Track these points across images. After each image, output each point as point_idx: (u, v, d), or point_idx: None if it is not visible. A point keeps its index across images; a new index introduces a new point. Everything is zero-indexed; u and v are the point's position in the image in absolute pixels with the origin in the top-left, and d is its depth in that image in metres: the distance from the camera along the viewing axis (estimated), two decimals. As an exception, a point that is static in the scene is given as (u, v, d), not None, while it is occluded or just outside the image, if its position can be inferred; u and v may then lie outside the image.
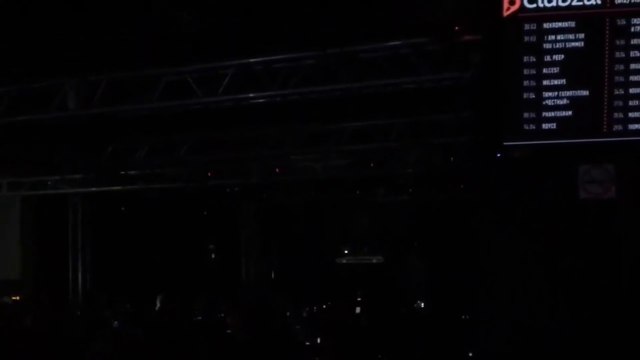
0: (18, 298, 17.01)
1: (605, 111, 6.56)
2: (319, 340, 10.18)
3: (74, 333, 11.54)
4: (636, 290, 7.87)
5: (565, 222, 7.85)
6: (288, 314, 13.63)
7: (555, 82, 6.61)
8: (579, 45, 6.53)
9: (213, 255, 22.02)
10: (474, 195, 9.19)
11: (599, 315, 7.62)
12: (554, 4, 6.51)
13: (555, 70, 6.60)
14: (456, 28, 8.07)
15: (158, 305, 13.97)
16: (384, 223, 20.05)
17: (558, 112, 6.63)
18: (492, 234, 8.17)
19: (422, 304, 16.56)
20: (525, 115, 6.70)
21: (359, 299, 17.80)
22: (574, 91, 6.59)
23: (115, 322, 12.89)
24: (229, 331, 11.16)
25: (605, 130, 6.58)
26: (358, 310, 14.87)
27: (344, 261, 19.50)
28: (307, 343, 10.05)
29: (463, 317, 11.54)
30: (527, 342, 7.78)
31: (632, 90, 6.49)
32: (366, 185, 18.31)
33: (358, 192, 18.68)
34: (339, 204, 20.26)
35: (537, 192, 7.90)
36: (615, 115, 6.55)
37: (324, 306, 15.32)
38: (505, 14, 6.62)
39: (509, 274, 8.02)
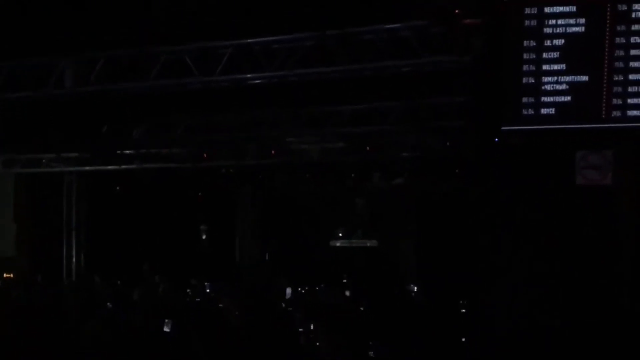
0: (12, 275, 16.98)
1: (604, 97, 6.54)
2: (312, 327, 10.15)
3: (66, 314, 11.52)
4: (634, 284, 7.90)
5: (565, 216, 7.85)
6: (287, 297, 13.61)
7: (555, 67, 6.59)
8: (580, 30, 6.50)
9: (208, 237, 22.00)
10: (473, 186, 9.16)
11: (600, 311, 7.63)
12: (555, -12, 6.49)
13: (555, 55, 6.57)
14: (457, 11, 8.02)
15: (161, 289, 13.94)
16: (379, 207, 20.05)
17: (557, 97, 6.62)
18: (492, 232, 8.16)
19: (415, 287, 16.57)
20: (524, 100, 6.68)
21: (345, 281, 17.84)
22: (573, 76, 6.57)
23: (109, 304, 12.87)
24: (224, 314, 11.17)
25: (604, 116, 6.57)
26: (347, 293, 14.88)
27: (338, 244, 19.50)
28: (300, 329, 10.02)
29: (460, 302, 11.53)
30: (526, 338, 7.80)
31: (631, 77, 6.48)
32: (362, 169, 18.30)
33: (354, 175, 18.68)
34: (335, 187, 20.25)
35: (536, 188, 7.89)
36: (614, 101, 6.53)
37: (317, 288, 15.32)
38: (507, -3, 6.59)
39: (508, 270, 8.03)
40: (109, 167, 17.16)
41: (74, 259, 18.96)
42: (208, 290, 14.48)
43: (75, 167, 17.67)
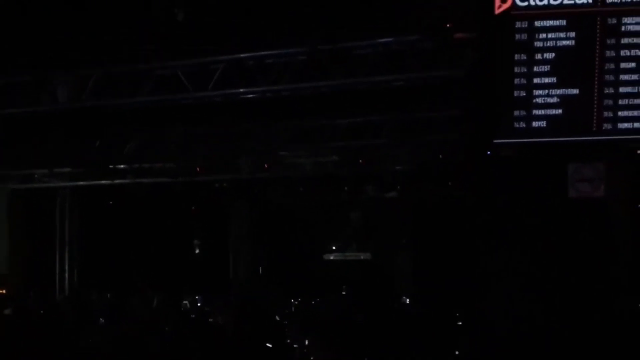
0: (4, 291, 16.93)
1: (595, 110, 6.59)
2: (306, 342, 10.13)
3: (60, 328, 11.50)
4: (630, 289, 7.93)
5: (560, 223, 7.88)
6: (277, 317, 13.58)
7: (546, 80, 6.63)
8: (570, 44, 6.55)
9: (201, 251, 21.96)
10: (468, 196, 9.21)
11: (596, 317, 7.65)
12: (545, 2, 6.54)
13: (546, 68, 6.62)
14: (448, 25, 8.08)
15: (155, 303, 13.92)
16: (373, 220, 20.06)
17: (548, 110, 6.66)
18: (488, 237, 8.19)
19: (407, 300, 16.59)
20: (516, 113, 6.72)
21: (344, 293, 17.84)
22: (564, 89, 6.62)
23: (101, 318, 12.84)
24: (218, 327, 11.15)
25: (595, 128, 6.61)
26: (342, 307, 14.88)
27: (332, 257, 19.49)
28: (294, 345, 10.00)
29: (455, 315, 11.54)
30: (523, 344, 7.81)
31: (622, 90, 6.52)
32: (356, 182, 18.31)
33: (347, 188, 18.70)
34: (328, 201, 20.27)
35: (532, 194, 7.93)
36: (605, 114, 6.58)
37: (313, 302, 15.33)
38: (497, 11, 6.64)
39: (505, 277, 8.05)
40: (102, 182, 17.15)
41: (67, 274, 18.90)
42: (200, 305, 14.47)
43: (68, 182, 17.65)
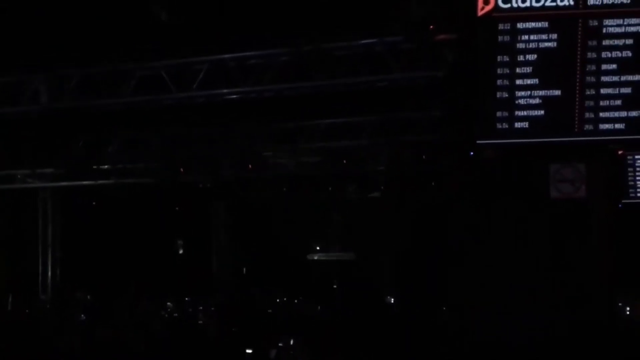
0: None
1: (577, 111, 6.63)
2: (292, 342, 10.17)
3: (42, 327, 11.47)
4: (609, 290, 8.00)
5: (538, 221, 7.93)
6: (261, 317, 13.62)
7: (528, 81, 6.67)
8: (552, 46, 6.59)
9: (184, 251, 21.91)
10: (447, 194, 9.25)
11: (573, 316, 7.72)
12: (527, 4, 6.57)
13: (528, 69, 6.66)
14: (430, 27, 8.11)
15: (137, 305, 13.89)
16: (356, 220, 20.08)
17: (530, 112, 6.70)
18: (465, 235, 8.23)
19: (392, 299, 16.64)
20: (498, 114, 6.75)
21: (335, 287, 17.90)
22: (546, 91, 6.66)
23: (82, 315, 12.82)
24: (200, 326, 11.16)
25: (576, 129, 6.66)
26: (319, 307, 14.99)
27: (315, 257, 19.50)
28: (280, 344, 10.03)
29: (437, 313, 11.60)
30: (502, 345, 7.86)
31: (603, 91, 6.57)
32: (338, 182, 18.34)
33: (330, 189, 18.73)
34: (311, 201, 20.29)
35: (512, 191, 7.98)
36: (587, 115, 6.62)
37: (296, 301, 15.35)
38: (480, 13, 6.67)
39: (486, 280, 8.09)
40: (85, 183, 17.06)
41: (49, 275, 18.78)
42: (184, 306, 14.46)
43: (50, 183, 17.54)
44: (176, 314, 13.24)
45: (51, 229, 18.81)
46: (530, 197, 7.91)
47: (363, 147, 14.60)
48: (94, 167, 16.22)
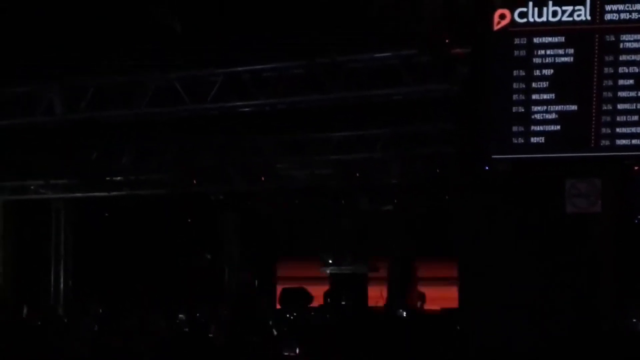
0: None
1: (593, 126, 6.62)
2: (297, 351, 10.15)
3: (51, 338, 11.50)
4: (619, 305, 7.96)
5: (549, 234, 7.91)
6: (271, 322, 13.61)
7: (544, 96, 6.67)
8: (568, 60, 6.60)
9: (197, 262, 21.90)
10: (457, 206, 9.26)
11: (583, 331, 7.68)
12: (544, 19, 6.58)
13: (545, 84, 6.66)
14: (446, 41, 8.10)
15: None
16: (369, 232, 20.04)
17: (546, 126, 6.69)
18: (479, 251, 8.21)
19: (404, 312, 16.60)
20: (514, 128, 6.76)
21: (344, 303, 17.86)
22: (562, 106, 6.66)
23: (95, 326, 12.83)
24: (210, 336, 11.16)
25: (592, 145, 6.65)
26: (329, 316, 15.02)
27: (328, 271, 19.48)
28: (286, 353, 10.01)
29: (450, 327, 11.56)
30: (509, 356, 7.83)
31: (619, 106, 6.56)
32: (350, 195, 18.33)
33: (343, 201, 18.73)
34: (324, 213, 20.28)
35: (523, 205, 7.96)
36: (603, 130, 6.62)
37: (305, 314, 15.33)
38: (496, 27, 6.68)
39: (495, 292, 8.07)
40: (98, 194, 17.11)
41: (61, 287, 18.81)
42: (196, 318, 14.44)
43: (63, 194, 17.60)
44: (186, 326, 13.23)
45: (64, 239, 18.86)
46: (543, 212, 7.88)
47: (376, 160, 14.59)
48: (107, 178, 16.27)
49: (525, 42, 6.63)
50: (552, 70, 6.62)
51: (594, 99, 6.57)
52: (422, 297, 19.20)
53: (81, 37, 9.46)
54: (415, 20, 8.58)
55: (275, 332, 12.15)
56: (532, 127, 6.69)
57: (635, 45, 6.46)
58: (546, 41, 6.60)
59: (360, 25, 9.07)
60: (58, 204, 18.72)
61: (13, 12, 8.81)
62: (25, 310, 14.94)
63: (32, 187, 17.38)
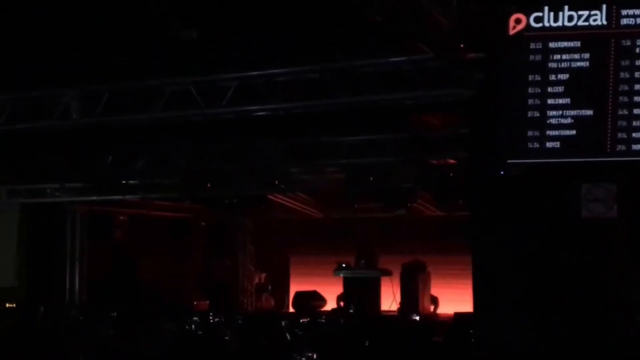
0: (14, 305, 16.96)
1: (609, 131, 6.63)
2: (314, 356, 10.17)
3: (65, 341, 11.56)
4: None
5: (563, 240, 7.89)
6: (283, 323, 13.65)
7: (560, 101, 6.68)
8: (584, 65, 6.61)
9: (210, 266, 21.96)
10: (472, 210, 9.26)
11: (601, 339, 7.64)
12: (559, 23, 6.59)
13: (560, 89, 6.67)
14: (461, 45, 8.10)
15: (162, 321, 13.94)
16: (382, 237, 20.04)
17: (562, 131, 6.70)
18: (492, 256, 8.20)
19: (417, 317, 16.60)
20: (530, 133, 6.77)
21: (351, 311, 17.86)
22: (578, 110, 6.66)
23: (111, 331, 12.89)
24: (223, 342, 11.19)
25: (608, 149, 6.65)
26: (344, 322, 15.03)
27: (341, 275, 19.48)
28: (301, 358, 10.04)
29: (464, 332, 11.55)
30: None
31: (636, 111, 6.57)
32: (364, 199, 18.33)
33: (356, 205, 18.72)
34: (337, 218, 20.31)
35: (537, 209, 7.94)
36: (619, 135, 6.62)
37: (318, 320, 15.32)
38: (511, 32, 6.70)
39: (507, 290, 8.05)
40: (113, 197, 17.18)
41: (77, 290, 18.87)
42: (210, 322, 14.48)
43: (79, 197, 17.67)
44: (200, 332, 13.26)
45: (79, 243, 18.93)
46: (556, 214, 7.86)
47: (389, 164, 14.57)
48: (122, 182, 16.34)
49: (540, 47, 6.65)
50: (567, 75, 6.63)
51: (610, 103, 6.57)
52: (436, 301, 19.16)
53: (97, 43, 9.52)
54: (430, 25, 8.59)
55: (288, 337, 12.17)
56: (548, 132, 6.71)
57: (651, 50, 6.46)
58: (562, 46, 6.61)
59: (374, 30, 9.09)
60: (73, 207, 18.78)
61: (31, 18, 8.89)
62: (41, 311, 15.04)
63: (48, 191, 17.46)
